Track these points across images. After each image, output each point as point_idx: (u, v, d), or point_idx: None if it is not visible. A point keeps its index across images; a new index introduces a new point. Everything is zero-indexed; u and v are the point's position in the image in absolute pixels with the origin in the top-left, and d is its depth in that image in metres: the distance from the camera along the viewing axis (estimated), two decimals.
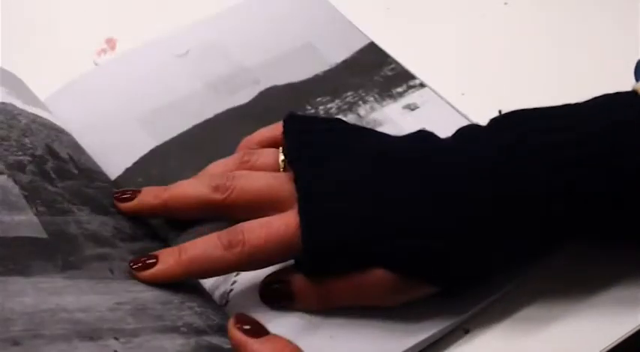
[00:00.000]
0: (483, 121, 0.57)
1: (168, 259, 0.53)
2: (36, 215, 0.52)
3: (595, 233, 0.55)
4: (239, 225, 0.54)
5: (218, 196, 0.55)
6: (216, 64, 0.69)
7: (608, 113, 0.53)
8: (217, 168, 0.59)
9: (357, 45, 0.71)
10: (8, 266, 0.48)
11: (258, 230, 0.53)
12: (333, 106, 0.67)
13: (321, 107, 0.67)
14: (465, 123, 0.61)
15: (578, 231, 0.54)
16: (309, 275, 0.53)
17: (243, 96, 0.67)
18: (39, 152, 0.57)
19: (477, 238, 0.53)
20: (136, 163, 0.63)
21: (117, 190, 0.58)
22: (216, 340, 0.50)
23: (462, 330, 0.56)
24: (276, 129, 0.59)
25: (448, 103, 0.66)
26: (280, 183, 0.55)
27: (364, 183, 0.54)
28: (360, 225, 0.52)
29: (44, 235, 0.51)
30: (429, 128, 0.57)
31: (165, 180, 0.59)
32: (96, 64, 0.71)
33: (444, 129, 0.57)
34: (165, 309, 0.50)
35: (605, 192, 0.52)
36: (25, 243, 0.50)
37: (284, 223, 0.53)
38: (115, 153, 0.63)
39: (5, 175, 0.53)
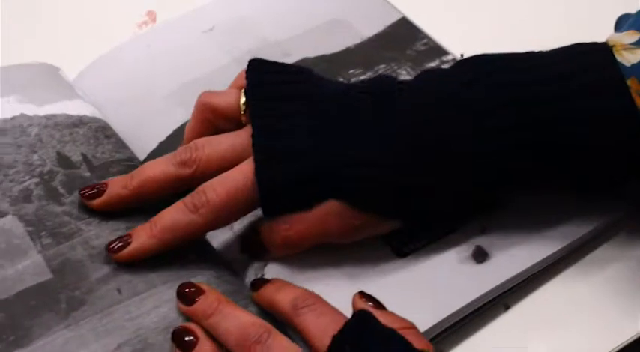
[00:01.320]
0: None
1: (142, 235, 0.52)
2: (40, 252, 0.52)
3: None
4: (200, 186, 0.53)
5: (186, 171, 0.53)
6: (244, 38, 0.66)
7: (574, 75, 0.50)
8: (188, 130, 0.57)
9: (389, 19, 0.68)
10: (9, 339, 0.49)
11: (218, 187, 0.52)
12: (365, 78, 0.63)
13: (353, 79, 0.63)
14: None
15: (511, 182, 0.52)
16: (270, 217, 0.53)
17: None
18: (48, 167, 0.56)
19: (424, 169, 0.51)
20: (169, 137, 0.62)
21: (83, 188, 0.55)
22: None
23: (502, 306, 0.54)
24: (241, 76, 0.56)
25: None
26: (242, 141, 0.53)
27: (317, 119, 0.52)
28: (311, 160, 0.51)
29: (48, 275, 0.52)
30: None
31: None
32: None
33: None
34: (165, 341, 0.50)
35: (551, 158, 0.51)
36: (28, 296, 0.51)
37: (241, 173, 0.52)
38: (148, 127, 0.62)
39: (10, 215, 0.54)
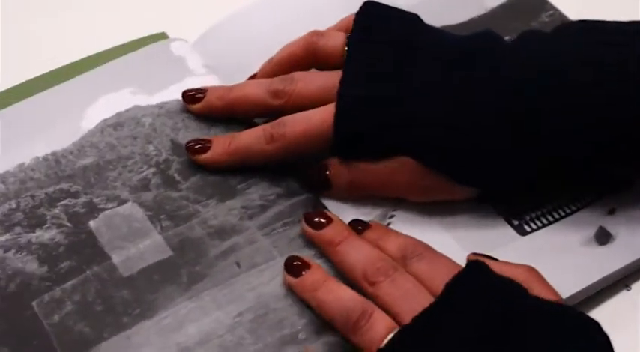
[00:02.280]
0: None
1: (218, 147, 0.56)
2: (160, 233, 0.53)
3: None
4: (281, 119, 0.55)
5: (277, 102, 0.56)
6: None
7: None
8: (285, 52, 0.58)
9: None
10: (134, 313, 0.49)
11: (297, 123, 0.54)
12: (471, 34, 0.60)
13: None
14: None
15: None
16: (341, 159, 0.54)
17: None
18: (163, 156, 0.57)
19: (509, 139, 0.50)
20: None
21: (186, 90, 0.59)
22: (331, 338, 0.49)
23: (623, 286, 0.52)
24: (350, 18, 0.57)
25: None
26: (334, 83, 0.54)
27: (410, 72, 0.53)
28: (392, 114, 0.52)
29: (169, 253, 0.52)
30: None
31: None
32: None
33: None
34: (288, 305, 0.50)
35: None
36: (150, 272, 0.52)
37: (322, 115, 0.53)
38: None
39: (130, 202, 0.55)
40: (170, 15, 0.67)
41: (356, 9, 0.57)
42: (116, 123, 0.59)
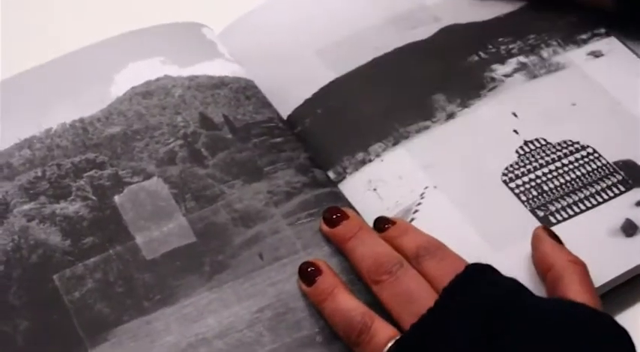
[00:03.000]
0: None
1: None
2: (185, 215, 0.53)
3: None
4: None
5: None
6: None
7: None
8: None
9: None
10: (155, 298, 0.50)
11: None
12: (514, 47, 0.63)
13: (502, 47, 0.63)
14: None
15: None
16: None
17: (423, 32, 0.64)
18: (191, 129, 0.57)
19: None
20: (315, 94, 0.62)
21: None
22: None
23: None
24: None
25: (635, 53, 0.62)
26: None
27: None
28: None
29: (192, 238, 0.52)
30: (614, 76, 0.59)
31: (344, 112, 0.60)
32: None
33: (629, 78, 0.59)
34: (307, 306, 0.50)
35: None
36: (173, 258, 0.52)
37: None
38: (294, 84, 0.62)
39: (155, 176, 0.55)
40: (185, 13, 0.65)
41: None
42: (145, 92, 0.58)
